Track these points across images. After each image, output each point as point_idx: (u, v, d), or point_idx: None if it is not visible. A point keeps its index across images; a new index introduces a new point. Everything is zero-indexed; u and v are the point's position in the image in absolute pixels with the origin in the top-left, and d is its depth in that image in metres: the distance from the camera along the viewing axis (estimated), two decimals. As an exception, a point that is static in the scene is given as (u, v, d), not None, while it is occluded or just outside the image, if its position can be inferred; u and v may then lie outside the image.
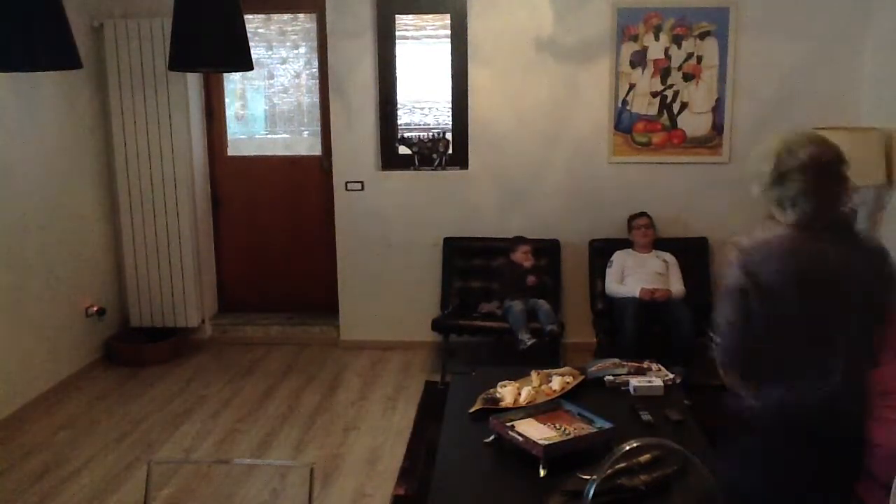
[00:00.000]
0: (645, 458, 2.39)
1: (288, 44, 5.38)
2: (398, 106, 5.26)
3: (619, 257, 4.77)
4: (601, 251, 4.93)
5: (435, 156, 5.13)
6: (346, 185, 5.18)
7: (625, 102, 4.94)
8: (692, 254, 4.92)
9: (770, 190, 2.09)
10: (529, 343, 4.36)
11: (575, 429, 2.67)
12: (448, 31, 5.11)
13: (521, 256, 4.78)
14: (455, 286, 5.05)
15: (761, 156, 2.12)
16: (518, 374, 3.20)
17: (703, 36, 4.84)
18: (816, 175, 2.00)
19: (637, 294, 4.52)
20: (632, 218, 4.86)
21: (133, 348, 5.09)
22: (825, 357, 2.06)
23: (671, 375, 3.27)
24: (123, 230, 5.18)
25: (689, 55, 4.87)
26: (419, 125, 5.28)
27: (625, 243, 4.86)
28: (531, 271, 4.74)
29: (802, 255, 2.03)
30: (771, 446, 2.10)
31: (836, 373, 2.05)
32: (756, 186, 2.16)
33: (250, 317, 5.56)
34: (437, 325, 4.80)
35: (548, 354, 4.48)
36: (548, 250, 5.01)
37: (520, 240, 4.85)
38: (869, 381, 2.18)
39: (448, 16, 5.10)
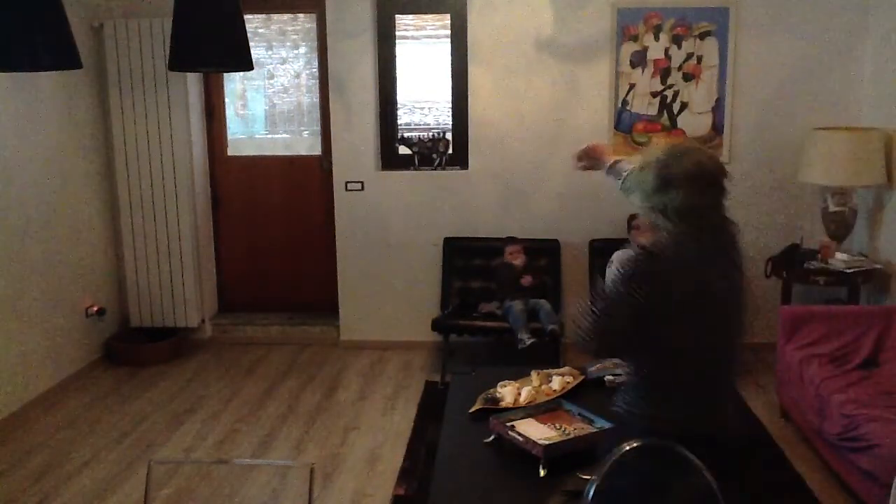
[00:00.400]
0: (645, 458, 2.39)
1: (288, 44, 5.38)
2: (398, 106, 5.26)
3: (619, 256, 4.76)
4: (601, 251, 4.92)
5: (435, 156, 5.13)
6: (346, 185, 5.17)
7: (625, 102, 4.94)
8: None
9: (653, 198, 2.12)
10: (529, 342, 4.36)
11: (575, 429, 2.67)
12: (448, 31, 5.11)
13: (511, 256, 4.80)
14: (455, 286, 5.04)
15: (643, 165, 2.16)
16: (518, 374, 3.21)
17: (703, 36, 4.84)
18: (700, 184, 2.05)
19: (637, 294, 4.51)
20: (631, 217, 4.86)
21: (133, 348, 5.09)
22: (699, 372, 2.09)
23: (671, 375, 3.27)
24: (123, 230, 5.18)
25: (689, 55, 4.87)
26: (419, 125, 5.28)
27: (625, 243, 4.85)
28: (525, 271, 4.74)
29: (681, 266, 2.05)
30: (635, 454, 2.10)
31: (707, 388, 2.10)
32: (637, 195, 2.19)
33: (250, 317, 5.56)
34: (437, 325, 4.80)
35: (548, 354, 4.48)
36: (548, 250, 5.01)
37: (510, 240, 4.87)
38: (732, 396, 2.22)
39: (448, 16, 5.10)
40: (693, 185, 2.04)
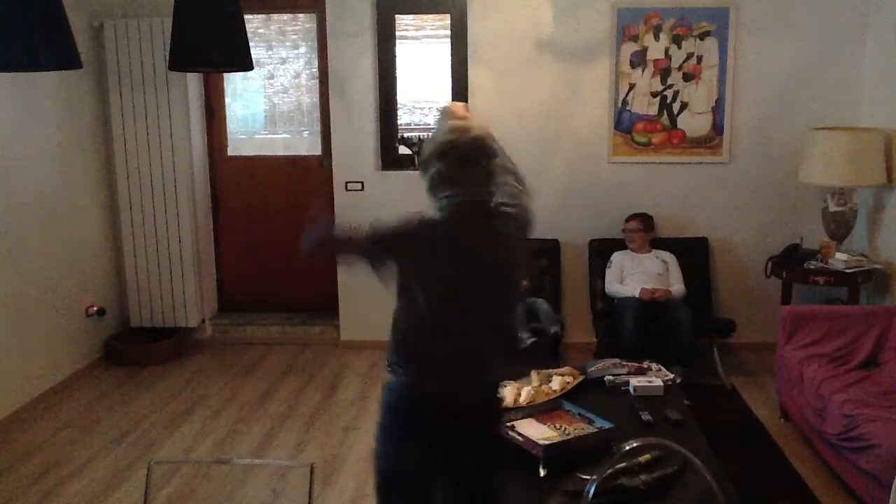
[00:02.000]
0: (645, 458, 2.40)
1: (288, 44, 5.38)
2: (398, 106, 5.26)
3: (617, 258, 4.77)
4: (601, 251, 4.93)
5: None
6: (346, 185, 5.17)
7: (625, 102, 4.94)
8: (692, 254, 4.92)
9: (422, 177, 2.20)
10: (529, 342, 4.34)
11: (575, 429, 2.67)
12: (448, 31, 5.11)
13: None
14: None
15: (426, 141, 2.26)
16: (518, 375, 3.20)
17: (703, 36, 4.84)
18: (451, 161, 2.10)
19: (637, 294, 4.52)
20: (625, 221, 4.86)
21: (133, 348, 5.09)
22: (450, 346, 2.13)
23: (671, 375, 3.28)
24: (123, 230, 5.18)
25: (689, 55, 4.87)
26: (419, 125, 5.28)
27: (624, 244, 4.86)
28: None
29: (435, 239, 2.11)
30: (393, 423, 2.20)
31: (458, 362, 2.13)
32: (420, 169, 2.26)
33: (250, 317, 5.56)
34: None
35: (548, 354, 4.48)
36: (547, 250, 5.01)
37: None
38: (494, 374, 2.22)
39: (448, 16, 5.10)
40: (445, 159, 2.11)
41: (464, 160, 2.12)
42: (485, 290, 2.11)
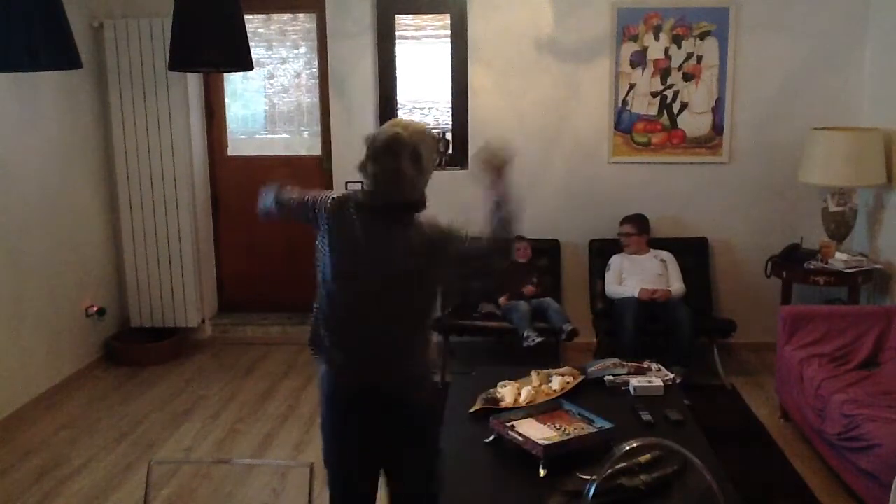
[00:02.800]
0: (645, 458, 2.40)
1: (288, 44, 5.38)
2: (398, 106, 5.25)
3: (616, 261, 4.77)
4: (601, 251, 4.93)
5: (435, 156, 5.12)
6: (346, 186, 5.17)
7: (625, 102, 4.94)
8: (692, 254, 4.92)
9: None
10: (537, 341, 4.33)
11: (575, 429, 2.67)
12: (448, 31, 5.11)
13: (517, 254, 4.79)
14: (455, 286, 5.04)
15: None
16: (518, 374, 3.21)
17: (703, 36, 4.84)
18: (372, 156, 2.23)
19: (637, 294, 4.51)
20: (619, 224, 4.84)
21: (133, 348, 5.09)
22: (350, 326, 2.26)
23: (671, 375, 3.28)
24: (123, 230, 5.18)
25: (689, 55, 4.87)
26: (419, 125, 5.27)
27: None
28: (529, 270, 4.74)
29: (335, 216, 2.26)
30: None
31: (358, 338, 2.26)
32: None
33: (250, 317, 5.56)
34: (437, 326, 4.78)
35: (548, 354, 4.48)
36: (548, 250, 5.01)
37: (517, 238, 4.86)
38: (393, 346, 2.30)
39: (448, 16, 5.10)
40: (370, 150, 2.24)
41: (375, 152, 2.22)
42: (371, 279, 2.21)
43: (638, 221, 4.79)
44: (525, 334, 4.37)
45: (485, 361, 4.88)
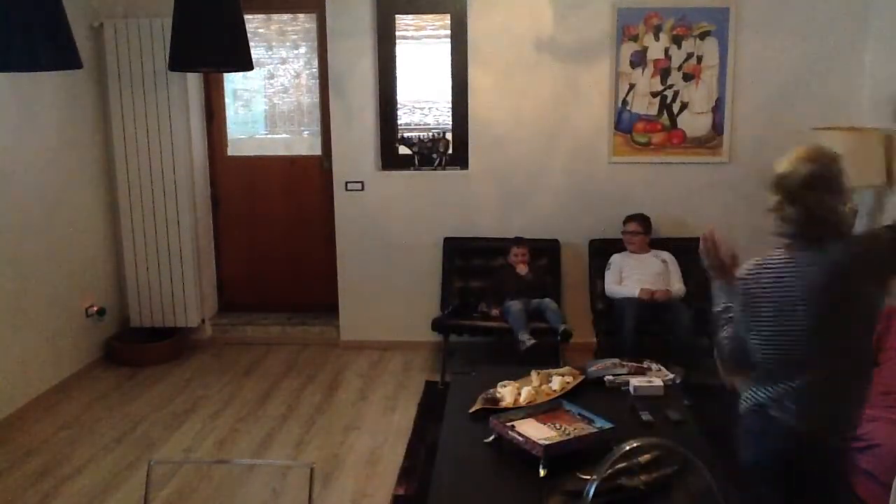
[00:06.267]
0: (645, 458, 2.39)
1: (288, 44, 5.38)
2: (398, 106, 5.26)
3: (616, 260, 4.77)
4: (601, 251, 4.92)
5: (435, 156, 5.13)
6: (346, 185, 5.18)
7: (625, 102, 4.94)
8: (692, 254, 4.87)
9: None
10: (529, 344, 4.35)
11: (575, 429, 2.67)
12: (448, 31, 5.11)
13: (515, 258, 4.81)
14: (455, 286, 5.04)
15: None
16: (518, 374, 3.20)
17: (703, 36, 4.84)
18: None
19: (637, 294, 4.51)
20: (623, 223, 4.85)
21: (133, 348, 5.09)
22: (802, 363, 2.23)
23: (671, 375, 3.27)
24: (123, 230, 5.18)
25: (689, 55, 4.87)
26: (419, 125, 5.28)
27: (623, 245, 4.85)
28: (528, 279, 4.76)
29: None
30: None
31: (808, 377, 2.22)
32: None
33: (250, 317, 5.56)
34: (437, 325, 4.79)
35: (548, 354, 4.48)
36: (548, 250, 5.01)
37: (517, 241, 4.88)
38: (853, 387, 2.25)
39: (448, 16, 5.10)
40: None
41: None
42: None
43: (643, 220, 4.80)
44: (519, 338, 4.39)
45: (485, 361, 4.88)
